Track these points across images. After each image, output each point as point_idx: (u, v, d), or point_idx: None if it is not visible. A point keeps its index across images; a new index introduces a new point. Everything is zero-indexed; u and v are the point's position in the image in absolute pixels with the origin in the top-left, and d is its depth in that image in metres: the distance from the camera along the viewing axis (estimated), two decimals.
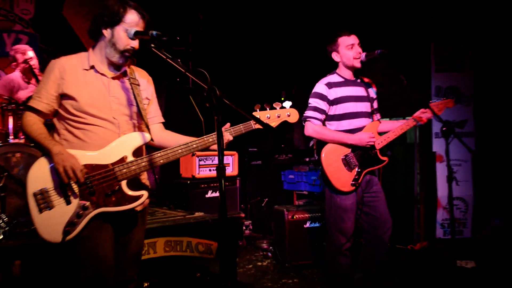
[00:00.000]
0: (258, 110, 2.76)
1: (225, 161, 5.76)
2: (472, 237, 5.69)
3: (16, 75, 4.97)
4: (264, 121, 2.71)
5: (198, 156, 5.63)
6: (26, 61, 4.84)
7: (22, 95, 4.83)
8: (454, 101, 3.92)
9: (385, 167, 3.95)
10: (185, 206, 5.34)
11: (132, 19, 2.57)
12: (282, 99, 2.90)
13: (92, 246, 2.51)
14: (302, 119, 3.82)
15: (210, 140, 2.65)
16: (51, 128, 2.65)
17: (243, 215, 4.77)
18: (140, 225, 2.80)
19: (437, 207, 5.78)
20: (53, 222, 2.46)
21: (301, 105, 3.38)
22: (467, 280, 4.61)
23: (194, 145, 2.65)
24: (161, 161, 2.62)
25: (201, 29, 7.56)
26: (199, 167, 5.66)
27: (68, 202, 2.48)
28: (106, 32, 2.58)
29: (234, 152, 6.02)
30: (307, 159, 6.72)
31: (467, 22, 5.98)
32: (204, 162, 5.70)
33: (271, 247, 5.71)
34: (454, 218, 5.61)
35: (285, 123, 2.84)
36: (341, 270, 3.80)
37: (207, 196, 5.66)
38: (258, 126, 2.68)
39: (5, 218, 3.67)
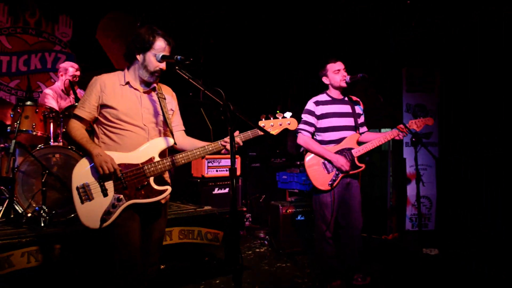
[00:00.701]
0: (263, 119, 2.79)
1: (229, 163, 5.81)
2: (435, 229, 5.76)
3: (56, 87, 4.99)
4: (268, 129, 2.78)
5: (207, 159, 5.68)
6: (74, 76, 4.90)
7: (62, 105, 4.88)
8: (433, 119, 4.02)
9: (364, 171, 4.00)
10: (195, 201, 5.38)
11: (160, 46, 2.65)
12: (278, 111, 2.93)
13: (124, 232, 2.57)
14: (295, 131, 3.91)
15: (223, 143, 2.72)
16: (91, 133, 2.73)
17: (245, 209, 4.82)
18: (163, 217, 2.86)
19: (406, 204, 5.84)
20: (92, 211, 2.53)
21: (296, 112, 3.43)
22: (431, 264, 4.69)
23: (210, 148, 2.72)
24: (183, 161, 2.69)
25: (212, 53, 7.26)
26: (207, 168, 5.71)
27: (105, 195, 2.55)
28: (139, 57, 2.67)
29: (237, 156, 6.07)
30: (298, 163, 6.77)
31: (434, 49, 5.98)
32: (212, 164, 5.74)
33: (267, 236, 5.75)
34: (421, 213, 5.70)
35: (285, 130, 2.88)
36: (325, 255, 3.89)
37: (214, 192, 5.69)
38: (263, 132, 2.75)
39: (45, 209, 3.72)
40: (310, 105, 3.98)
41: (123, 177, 2.57)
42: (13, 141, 3.91)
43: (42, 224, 3.62)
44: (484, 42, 5.54)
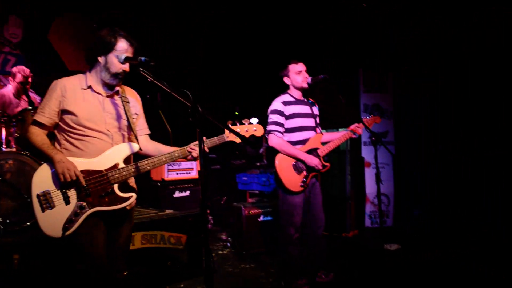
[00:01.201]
0: (230, 125, 2.77)
1: (190, 166, 5.74)
2: (393, 225, 5.93)
3: (7, 90, 4.75)
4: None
5: None
6: (25, 81, 4.65)
7: (12, 109, 4.65)
8: (380, 118, 4.17)
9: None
10: (155, 205, 5.27)
11: (122, 47, 2.57)
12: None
13: (88, 240, 2.49)
14: (266, 132, 3.89)
15: (189, 149, 2.68)
16: (52, 138, 2.61)
17: (208, 211, 4.78)
18: (128, 222, 2.79)
19: (365, 202, 5.99)
20: (54, 219, 2.43)
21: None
22: (392, 258, 4.84)
23: (176, 154, 2.68)
24: (148, 167, 2.63)
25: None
26: (167, 171, 5.63)
27: (67, 203, 2.45)
28: (101, 59, 2.58)
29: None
30: (258, 164, 6.81)
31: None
32: (172, 167, 5.66)
33: (229, 238, 5.71)
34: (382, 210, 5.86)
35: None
36: (292, 258, 3.90)
37: (174, 196, 5.61)
38: (230, 138, 2.73)
39: None
40: (278, 105, 3.94)
41: (86, 184, 2.48)
42: None
43: None
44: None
